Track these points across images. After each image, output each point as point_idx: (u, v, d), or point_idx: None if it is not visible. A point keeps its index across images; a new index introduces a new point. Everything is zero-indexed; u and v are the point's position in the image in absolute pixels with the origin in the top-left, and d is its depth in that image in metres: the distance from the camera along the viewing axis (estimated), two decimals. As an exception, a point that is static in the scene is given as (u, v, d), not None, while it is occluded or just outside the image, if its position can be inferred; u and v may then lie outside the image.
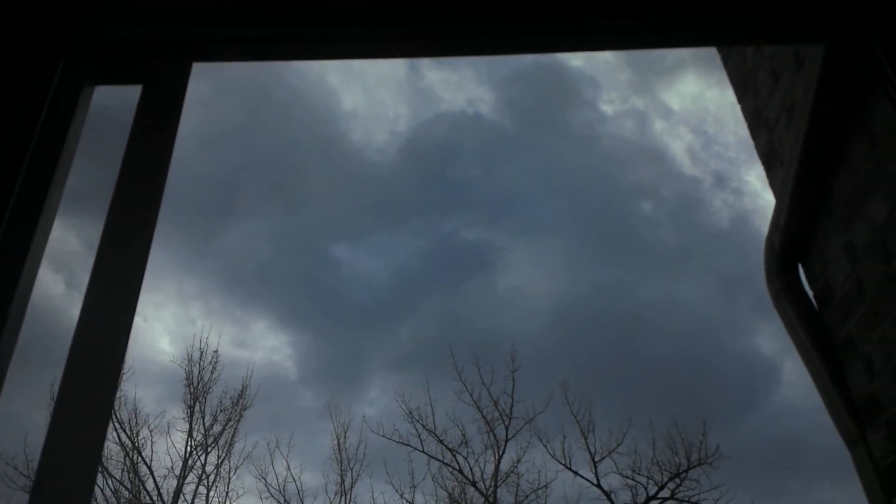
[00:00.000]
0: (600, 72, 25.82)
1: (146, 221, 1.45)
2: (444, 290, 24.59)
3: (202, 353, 19.43)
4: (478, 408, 18.52)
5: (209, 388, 19.16)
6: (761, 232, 3.05)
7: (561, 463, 17.69)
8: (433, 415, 18.61)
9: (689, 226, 24.34)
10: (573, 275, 24.17)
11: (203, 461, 18.44)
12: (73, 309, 1.43)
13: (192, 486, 18.12)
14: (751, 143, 3.30)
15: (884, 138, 2.25)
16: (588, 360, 21.49)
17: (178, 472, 18.02)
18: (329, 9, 1.65)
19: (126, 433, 17.73)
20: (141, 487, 17.58)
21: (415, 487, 18.03)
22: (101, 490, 17.02)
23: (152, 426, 18.18)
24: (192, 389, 19.07)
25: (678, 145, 25.91)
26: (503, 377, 18.76)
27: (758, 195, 23.63)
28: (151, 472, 17.75)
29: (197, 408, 18.89)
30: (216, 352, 19.54)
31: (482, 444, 18.34)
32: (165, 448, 19.30)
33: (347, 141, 24.85)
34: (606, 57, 25.09)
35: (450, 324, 22.73)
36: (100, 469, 16.60)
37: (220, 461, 18.53)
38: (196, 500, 18.00)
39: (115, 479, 17.36)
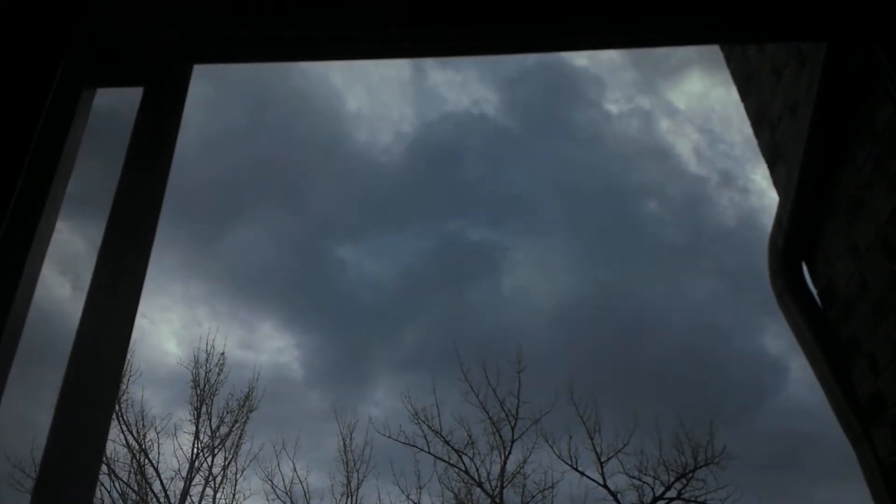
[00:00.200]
0: (605, 71, 25.83)
1: (148, 223, 1.46)
2: (450, 290, 24.60)
3: (209, 355, 19.50)
4: (484, 408, 18.53)
5: (216, 389, 19.22)
6: (768, 230, 3.05)
7: (567, 463, 17.69)
8: (439, 416, 18.63)
9: (695, 225, 24.30)
10: (579, 274, 24.16)
11: (210, 463, 18.50)
12: (79, 311, 1.44)
13: (199, 488, 18.18)
14: (756, 141, 3.29)
15: (886, 136, 2.24)
16: (594, 359, 21.47)
17: (184, 473, 18.07)
18: (330, 9, 1.66)
19: (133, 435, 17.80)
20: (148, 489, 17.63)
21: (421, 488, 18.05)
22: (109, 492, 17.08)
23: (159, 428, 18.24)
24: (198, 391, 19.13)
25: (684, 144, 25.89)
26: (509, 378, 18.77)
27: (764, 193, 23.60)
28: (158, 474, 17.81)
29: (203, 410, 18.94)
30: (223, 354, 19.61)
31: (488, 444, 18.36)
32: (172, 450, 19.35)
33: (352, 142, 24.90)
34: (611, 56, 25.07)
35: (455, 324, 22.74)
36: (107, 471, 16.66)
37: (226, 463, 18.59)
38: (203, 502, 18.05)
39: (122, 481, 17.42)
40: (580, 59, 25.19)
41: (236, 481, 18.44)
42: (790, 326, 2.84)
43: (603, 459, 17.52)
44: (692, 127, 25.85)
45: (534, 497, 17.66)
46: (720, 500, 16.40)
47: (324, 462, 24.69)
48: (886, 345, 2.30)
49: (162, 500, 17.61)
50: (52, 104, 1.41)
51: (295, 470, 18.67)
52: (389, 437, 18.58)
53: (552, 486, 17.61)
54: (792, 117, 2.82)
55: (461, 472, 18.14)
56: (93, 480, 1.31)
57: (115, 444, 17.38)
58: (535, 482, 17.78)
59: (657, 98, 25.75)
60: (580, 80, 25.27)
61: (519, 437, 18.25)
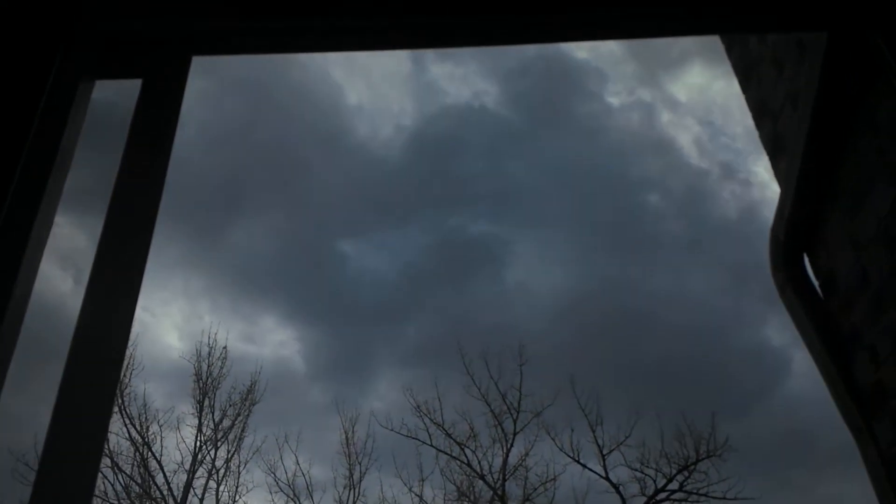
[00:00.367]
0: (606, 64, 25.75)
1: (147, 215, 1.46)
2: (451, 284, 24.60)
3: (211, 348, 19.53)
4: (486, 402, 18.57)
5: (218, 383, 19.27)
6: (769, 223, 3.04)
7: (569, 456, 17.73)
8: (441, 409, 18.67)
9: (696, 217, 24.26)
10: (580, 268, 24.15)
11: (213, 456, 18.55)
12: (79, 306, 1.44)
13: (202, 481, 18.24)
14: (757, 133, 3.29)
15: (887, 127, 2.24)
16: (596, 352, 21.48)
17: (187, 466, 18.13)
18: (330, 0, 1.65)
19: (136, 428, 17.85)
20: (151, 482, 17.69)
21: (423, 481, 18.10)
22: (112, 485, 17.14)
23: (162, 421, 18.29)
24: (201, 385, 19.17)
25: (685, 137, 25.86)
26: (511, 371, 18.79)
27: (766, 186, 23.56)
28: (161, 467, 17.87)
29: (206, 403, 18.99)
30: (225, 347, 19.65)
31: (490, 437, 18.40)
32: (175, 443, 19.42)
33: (352, 136, 24.87)
34: (612, 49, 24.97)
35: (457, 318, 22.75)
36: (110, 464, 16.72)
37: (229, 456, 18.64)
38: (206, 495, 18.12)
39: (126, 474, 17.48)
40: (581, 52, 25.13)
41: (239, 474, 18.52)
42: (792, 318, 2.84)
43: (605, 452, 17.58)
44: (693, 119, 25.84)
45: (536, 489, 17.72)
46: (722, 492, 16.45)
47: (326, 455, 24.77)
48: (888, 336, 2.30)
49: (165, 492, 17.68)
50: (50, 96, 1.40)
51: (297, 463, 18.74)
52: (392, 430, 18.65)
53: (554, 479, 17.67)
54: (793, 109, 2.81)
55: (463, 465, 18.21)
56: (93, 473, 1.32)
57: (119, 437, 17.46)
58: (537, 475, 17.85)
59: (658, 90, 25.71)
60: (581, 73, 25.22)
61: (521, 430, 18.31)
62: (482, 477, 17.96)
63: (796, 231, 2.82)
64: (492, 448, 18.28)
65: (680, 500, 16.87)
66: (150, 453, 17.86)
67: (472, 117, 25.05)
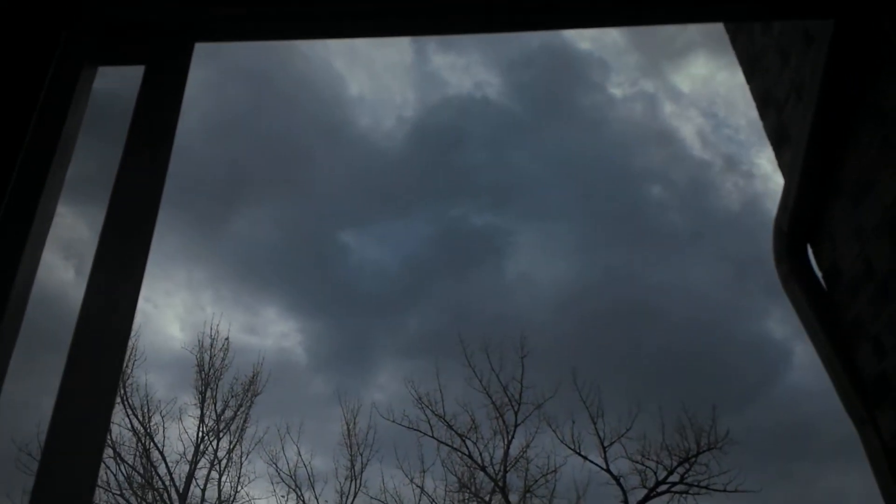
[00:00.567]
0: (609, 54, 25.68)
1: (150, 201, 1.45)
2: (453, 275, 24.61)
3: (213, 339, 19.57)
4: (487, 393, 18.60)
5: (220, 374, 19.32)
6: (772, 215, 3.03)
7: (570, 448, 17.76)
8: (443, 400, 18.70)
9: (699, 209, 24.23)
10: (582, 259, 24.14)
11: (215, 446, 18.61)
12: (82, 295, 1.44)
13: (204, 471, 18.31)
14: (761, 124, 3.27)
15: (893, 117, 2.22)
16: (597, 345, 21.50)
17: (190, 457, 18.19)
18: (332, -12, 1.64)
19: (138, 419, 17.90)
20: (153, 472, 17.75)
21: (424, 472, 18.16)
22: (115, 475, 17.21)
23: (164, 412, 18.35)
24: (203, 375, 19.22)
25: (688, 128, 25.79)
26: (512, 363, 18.82)
27: (769, 178, 23.49)
28: (164, 458, 17.93)
29: (208, 394, 19.04)
30: (227, 339, 19.68)
31: (491, 429, 18.44)
32: (177, 434, 19.45)
33: (354, 127, 24.85)
34: (615, 39, 24.92)
35: (459, 309, 22.77)
36: (113, 454, 16.77)
37: (231, 446, 18.70)
38: (208, 485, 18.19)
39: (128, 464, 17.54)
40: (584, 42, 25.10)
41: (241, 465, 18.59)
42: (795, 309, 2.84)
43: (606, 444, 17.60)
44: (696, 111, 25.76)
45: (536, 481, 17.77)
46: (723, 484, 16.48)
47: (328, 446, 24.86)
48: (891, 327, 2.29)
49: (167, 483, 17.75)
50: (53, 82, 1.40)
51: (299, 454, 18.81)
52: (393, 421, 18.69)
53: (555, 471, 17.72)
54: (798, 99, 2.80)
55: (464, 457, 18.25)
56: (96, 463, 1.32)
57: (121, 427, 17.52)
58: (537, 466, 17.89)
59: (661, 81, 25.63)
60: (584, 64, 25.17)
61: (522, 422, 18.34)
62: (483, 468, 18.01)
63: (800, 222, 2.81)
64: (493, 440, 18.34)
65: (680, 493, 16.91)
66: (152, 444, 17.93)
67: (475, 108, 25.03)
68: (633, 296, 21.99)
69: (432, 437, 18.42)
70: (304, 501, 18.31)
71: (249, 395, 19.25)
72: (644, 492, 17.02)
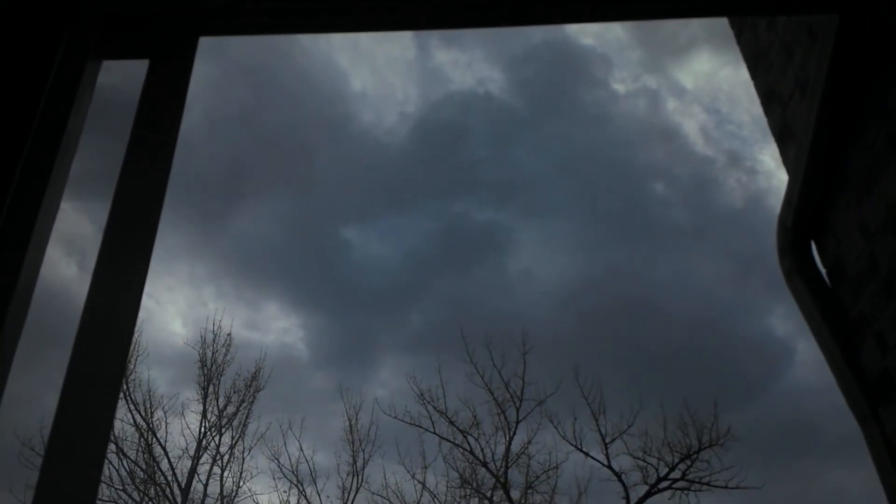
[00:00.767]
0: (612, 50, 25.63)
1: (154, 196, 1.45)
2: (455, 271, 24.62)
3: (215, 335, 19.59)
4: (489, 390, 18.61)
5: (223, 369, 19.34)
6: (775, 211, 3.02)
7: (572, 444, 17.77)
8: (444, 396, 18.72)
9: (702, 206, 24.20)
10: (585, 256, 24.13)
11: (217, 442, 18.65)
12: (86, 291, 1.43)
13: (207, 467, 18.35)
14: (764, 121, 3.26)
15: (899, 112, 2.22)
16: (599, 341, 21.50)
17: (192, 452, 18.23)
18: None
19: (140, 414, 17.93)
20: (156, 468, 17.79)
21: (426, 468, 18.18)
22: (117, 470, 17.24)
23: (166, 408, 18.39)
24: (205, 371, 19.25)
25: (691, 124, 25.72)
26: (514, 359, 18.82)
27: (772, 174, 23.46)
28: (166, 453, 17.97)
29: (211, 389, 19.07)
30: (229, 334, 19.71)
31: (493, 425, 18.46)
32: (180, 429, 19.51)
33: (357, 122, 24.85)
34: (618, 35, 24.86)
35: (461, 305, 22.77)
36: (115, 450, 16.81)
37: (233, 442, 18.74)
38: (210, 481, 18.23)
39: (130, 459, 17.59)
40: (587, 38, 25.02)
41: (243, 460, 18.62)
42: (798, 306, 2.83)
43: (607, 440, 17.61)
44: (699, 107, 25.70)
45: (538, 477, 17.78)
46: (724, 481, 16.48)
47: (330, 441, 24.93)
48: (895, 323, 2.29)
49: (170, 478, 17.79)
50: (57, 76, 1.39)
51: (301, 449, 18.84)
52: (395, 417, 18.72)
53: (556, 467, 17.73)
54: (802, 95, 2.79)
55: (466, 453, 18.27)
56: (100, 459, 1.32)
57: (123, 423, 17.55)
58: (539, 462, 17.91)
59: (664, 77, 25.60)
60: (586, 60, 25.12)
61: (524, 418, 18.35)
62: (485, 464, 18.03)
63: (804, 218, 2.81)
64: (494, 436, 18.35)
65: (682, 489, 16.91)
66: (154, 439, 17.96)
67: (477, 104, 25.01)
68: (635, 292, 22.00)
69: (434, 433, 18.47)
70: (305, 497, 18.36)
71: (251, 391, 19.30)
72: (646, 488, 17.05)
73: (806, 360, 21.05)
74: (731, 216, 23.68)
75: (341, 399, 22.34)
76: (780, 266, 2.92)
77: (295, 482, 18.45)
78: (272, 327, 24.05)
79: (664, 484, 17.04)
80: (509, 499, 17.58)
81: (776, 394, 21.08)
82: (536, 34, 24.33)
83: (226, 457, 18.55)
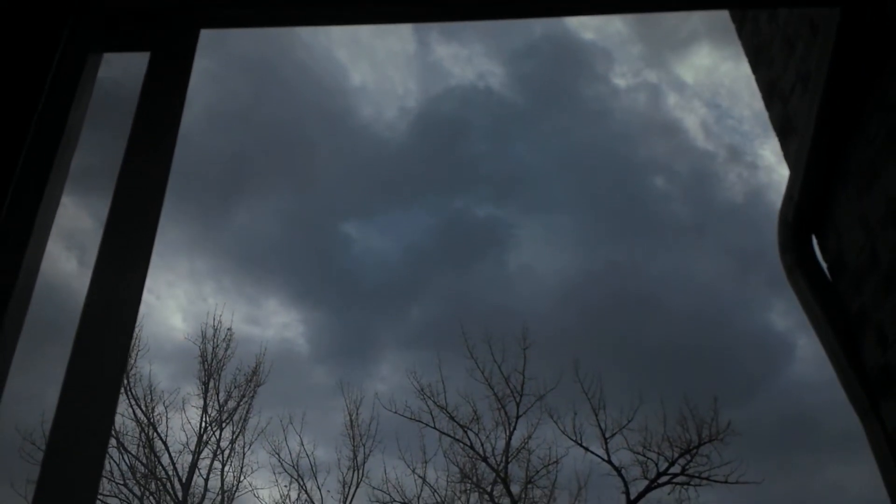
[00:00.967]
0: (612, 45, 25.59)
1: (155, 190, 1.44)
2: (455, 267, 24.62)
3: (216, 330, 19.60)
4: (489, 385, 18.62)
5: (223, 364, 19.36)
6: (776, 206, 3.02)
7: (571, 439, 17.79)
8: (444, 391, 18.73)
9: (702, 201, 24.17)
10: (585, 251, 24.12)
11: (218, 437, 18.67)
12: (86, 286, 1.43)
13: (207, 462, 18.37)
14: (765, 116, 3.26)
15: (901, 106, 2.21)
16: (599, 336, 21.50)
17: (193, 447, 18.25)
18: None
19: (141, 409, 17.95)
20: (156, 462, 17.81)
21: (426, 463, 18.21)
22: (118, 465, 17.27)
23: (167, 402, 18.41)
24: (206, 366, 19.26)
25: (692, 119, 25.67)
26: (514, 354, 18.82)
27: (772, 169, 23.43)
28: (167, 448, 17.99)
29: (211, 384, 19.09)
30: (230, 329, 19.72)
31: (493, 420, 18.47)
32: (181, 424, 19.54)
33: (357, 117, 24.81)
34: (618, 29, 24.84)
35: (461, 301, 22.77)
36: (116, 444, 16.83)
37: (234, 437, 18.76)
38: (211, 475, 18.25)
39: (131, 454, 17.60)
40: (587, 32, 25.02)
41: (244, 455, 18.65)
42: (799, 300, 2.83)
43: (607, 435, 17.62)
44: (700, 101, 25.66)
45: (538, 472, 17.80)
46: (724, 476, 16.49)
47: (330, 436, 24.95)
48: (895, 317, 2.29)
49: (170, 473, 17.81)
50: (58, 69, 1.39)
51: (302, 444, 18.87)
52: (395, 412, 18.73)
53: (556, 462, 17.75)
54: (804, 89, 2.78)
55: (466, 447, 18.29)
56: (101, 453, 1.31)
57: (124, 417, 17.57)
58: (539, 457, 17.92)
59: (665, 72, 25.53)
60: (587, 54, 25.08)
61: (524, 413, 18.37)
62: (485, 459, 18.05)
63: (805, 213, 2.80)
64: (495, 431, 18.37)
65: (682, 484, 16.94)
66: (155, 434, 17.99)
67: (477, 98, 24.98)
68: (635, 287, 22.01)
69: (434, 427, 18.48)
70: (306, 491, 18.39)
71: (252, 386, 19.31)
72: (645, 483, 17.07)
73: (806, 355, 21.07)
74: (732, 211, 23.67)
75: (342, 394, 22.41)
76: (781, 261, 2.92)
77: (295, 477, 18.50)
78: (272, 322, 24.08)
79: (664, 479, 17.07)
80: (509, 493, 17.61)
81: (776, 389, 21.11)
82: (536, 28, 24.29)
83: (226, 451, 18.60)
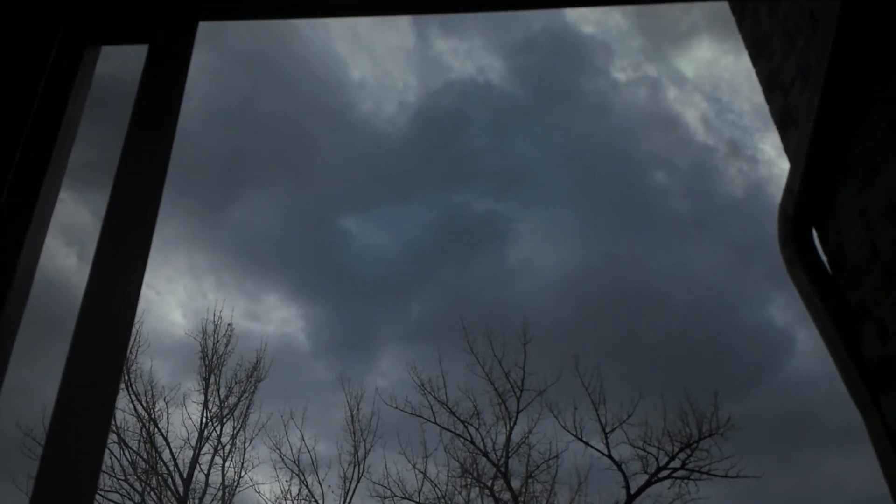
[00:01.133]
0: (612, 38, 25.52)
1: (154, 185, 1.44)
2: (455, 262, 24.62)
3: (216, 325, 19.62)
4: (489, 380, 18.64)
5: (223, 360, 19.38)
6: (776, 200, 3.02)
7: (572, 434, 17.81)
8: (445, 387, 18.75)
9: (702, 195, 24.15)
10: (585, 246, 24.12)
11: (218, 432, 18.69)
12: (85, 282, 1.43)
13: (208, 457, 18.40)
14: (766, 109, 3.25)
15: (901, 99, 2.21)
16: (600, 331, 21.53)
17: (193, 443, 18.28)
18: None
19: (142, 405, 17.97)
20: (157, 458, 17.84)
21: (427, 458, 18.23)
22: (119, 460, 17.29)
23: (168, 398, 18.43)
24: (206, 362, 19.28)
25: (692, 113, 25.62)
26: (515, 349, 18.85)
27: (773, 163, 23.40)
28: (168, 443, 18.01)
29: (212, 380, 19.11)
30: (230, 325, 19.74)
31: (494, 415, 18.49)
32: (181, 419, 19.57)
33: (356, 111, 24.78)
34: (618, 23, 24.78)
35: (461, 296, 22.78)
36: (117, 440, 16.86)
37: (235, 432, 18.78)
38: (212, 471, 18.28)
39: (132, 449, 17.63)
40: (587, 26, 24.94)
41: (245, 450, 18.67)
42: (799, 293, 2.83)
43: (607, 430, 17.64)
44: (700, 95, 25.62)
45: (538, 467, 17.83)
46: (724, 470, 16.52)
47: (331, 432, 25.00)
48: (895, 311, 2.29)
49: (171, 468, 17.84)
50: (55, 63, 1.38)
51: (303, 439, 18.90)
52: (396, 407, 18.75)
53: (557, 456, 17.78)
54: (804, 82, 2.77)
55: (467, 442, 18.32)
56: (101, 449, 1.31)
57: (125, 413, 17.60)
58: (539, 452, 17.95)
59: (665, 66, 25.48)
60: (587, 48, 25.03)
61: (524, 408, 18.39)
62: (485, 454, 18.08)
63: (805, 206, 2.80)
64: (495, 426, 18.40)
65: (682, 478, 16.96)
66: (156, 429, 18.01)
67: (477, 93, 24.94)
68: (635, 282, 22.01)
69: (435, 423, 18.51)
70: (307, 487, 18.42)
71: (252, 381, 19.32)
72: (645, 477, 17.10)
73: (806, 349, 21.09)
74: (732, 205, 23.65)
75: (342, 389, 22.43)
76: (782, 254, 2.92)
77: (296, 472, 18.52)
78: (272, 318, 24.08)
79: (664, 473, 17.10)
80: (510, 488, 17.64)
81: (776, 383, 21.13)
82: (536, 22, 24.24)
83: (227, 447, 18.62)
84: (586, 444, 17.69)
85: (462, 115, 25.04)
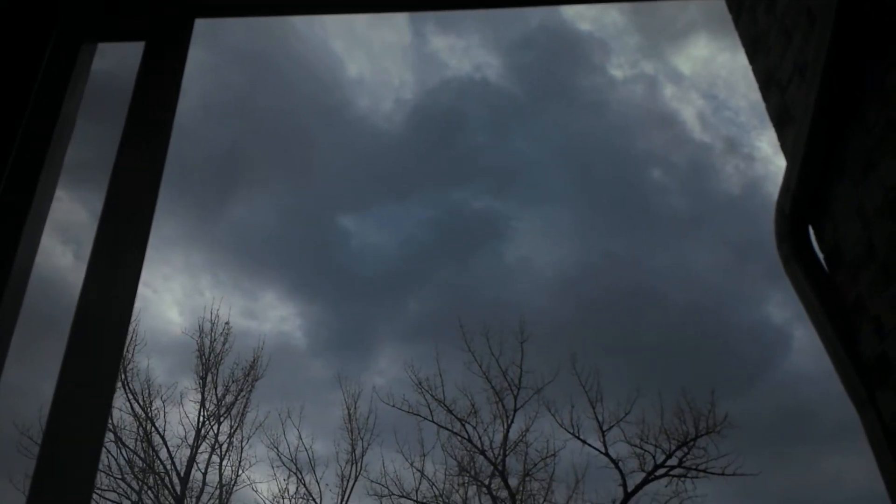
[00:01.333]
0: (609, 35, 25.51)
1: (150, 182, 1.44)
2: (453, 260, 24.63)
3: (213, 324, 19.60)
4: (487, 378, 18.67)
5: (221, 358, 19.37)
6: (773, 198, 3.02)
7: (569, 432, 17.84)
8: (442, 385, 18.77)
9: (699, 192, 24.18)
10: (582, 244, 24.12)
11: (215, 431, 18.69)
12: (82, 281, 1.42)
13: (206, 456, 18.40)
14: (762, 106, 3.25)
15: (898, 96, 2.21)
16: (597, 329, 21.55)
17: (191, 441, 18.27)
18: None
19: (139, 404, 17.96)
20: (154, 457, 17.82)
21: (424, 456, 18.26)
22: (115, 459, 17.28)
23: (165, 397, 18.42)
24: (203, 360, 19.26)
25: (689, 111, 25.66)
26: (512, 347, 18.89)
27: (770, 161, 23.43)
28: (165, 442, 18.00)
29: (209, 378, 19.10)
30: (227, 323, 19.72)
31: (491, 413, 18.52)
32: (178, 418, 19.53)
33: (353, 109, 24.76)
34: (615, 20, 24.76)
35: (458, 294, 22.79)
36: (114, 439, 16.84)
37: (232, 431, 18.79)
38: (209, 469, 18.27)
39: (129, 448, 17.61)
40: (584, 23, 24.97)
41: (242, 449, 18.68)
42: (796, 291, 2.83)
43: (605, 428, 17.67)
44: (697, 93, 25.63)
45: (536, 465, 17.86)
46: (721, 468, 16.55)
47: (329, 430, 24.95)
48: (893, 308, 2.29)
49: (168, 467, 17.83)
50: (51, 59, 1.37)
51: (300, 438, 18.90)
52: (393, 405, 18.77)
53: (554, 454, 17.81)
54: (801, 79, 2.78)
55: (464, 441, 18.33)
56: (97, 448, 1.31)
57: (122, 412, 17.58)
58: (537, 450, 17.98)
59: (662, 63, 25.50)
60: (584, 45, 25.03)
61: (521, 407, 18.42)
62: (483, 452, 18.09)
63: (802, 203, 2.80)
64: (492, 424, 18.42)
65: (679, 476, 16.99)
66: (153, 428, 17.99)
67: (474, 90, 24.94)
68: (632, 280, 22.03)
69: (432, 421, 18.53)
70: (304, 485, 18.43)
71: (250, 380, 19.33)
72: (643, 475, 17.12)
73: (803, 347, 21.13)
74: (729, 203, 23.67)
75: (340, 388, 22.41)
76: (778, 252, 2.92)
77: (294, 470, 18.54)
78: (269, 316, 24.06)
79: (661, 471, 17.12)
80: (507, 486, 17.65)
81: (773, 381, 21.16)
82: (533, 19, 24.22)
83: (224, 445, 18.61)
84: (583, 442, 17.73)
85: (459, 113, 25.05)
